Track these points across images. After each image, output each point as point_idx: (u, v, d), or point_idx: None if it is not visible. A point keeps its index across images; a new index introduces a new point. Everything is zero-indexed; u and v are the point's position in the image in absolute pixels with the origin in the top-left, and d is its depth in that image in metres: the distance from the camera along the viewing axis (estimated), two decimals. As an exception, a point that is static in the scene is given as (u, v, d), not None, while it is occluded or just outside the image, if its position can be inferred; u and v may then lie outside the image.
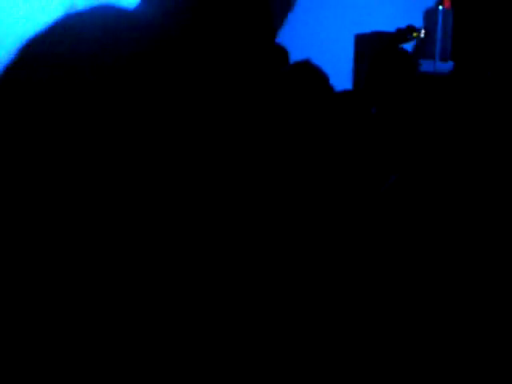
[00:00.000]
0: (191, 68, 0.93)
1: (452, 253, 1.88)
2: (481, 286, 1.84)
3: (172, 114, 0.89)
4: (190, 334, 0.86)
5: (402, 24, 5.13)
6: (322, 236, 1.70)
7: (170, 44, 0.89)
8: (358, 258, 1.76)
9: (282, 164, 1.79)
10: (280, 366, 1.17)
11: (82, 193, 0.81)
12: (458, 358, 1.76)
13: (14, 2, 3.50)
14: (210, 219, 0.89)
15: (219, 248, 0.92)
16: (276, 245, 1.27)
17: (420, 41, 5.43)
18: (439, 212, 1.93)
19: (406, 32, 5.07)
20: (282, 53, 3.50)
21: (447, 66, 5.33)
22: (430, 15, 5.76)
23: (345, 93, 2.99)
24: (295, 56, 3.06)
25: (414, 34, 5.16)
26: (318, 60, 2.47)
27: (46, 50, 0.83)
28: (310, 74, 2.35)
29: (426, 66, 5.11)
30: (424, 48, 5.54)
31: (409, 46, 5.15)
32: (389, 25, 5.16)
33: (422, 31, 5.36)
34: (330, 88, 2.40)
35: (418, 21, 5.61)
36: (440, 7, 5.64)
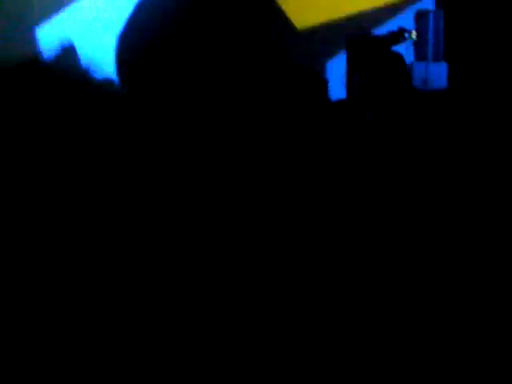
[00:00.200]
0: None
1: (451, 252, 1.89)
2: (480, 284, 1.85)
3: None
4: (190, 333, 0.87)
5: (393, 27, 5.15)
6: (322, 234, 1.71)
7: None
8: (358, 257, 1.76)
9: (279, 165, 1.79)
10: (280, 365, 1.18)
11: (85, 191, 0.83)
12: (456, 355, 1.77)
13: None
14: (210, 219, 0.90)
15: (219, 248, 0.93)
16: (276, 244, 1.28)
17: (412, 43, 5.45)
18: (434, 214, 1.94)
19: (398, 34, 5.09)
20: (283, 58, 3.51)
21: (441, 66, 5.34)
22: (420, 17, 5.78)
23: (340, 101, 3.01)
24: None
25: (406, 37, 5.18)
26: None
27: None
28: (310, 78, 2.36)
29: (418, 71, 5.13)
30: (416, 50, 5.56)
31: (401, 48, 5.17)
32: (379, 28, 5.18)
33: (414, 33, 5.38)
34: (327, 93, 2.42)
35: (408, 23, 5.64)
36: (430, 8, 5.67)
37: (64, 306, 0.76)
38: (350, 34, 5.17)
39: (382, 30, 5.14)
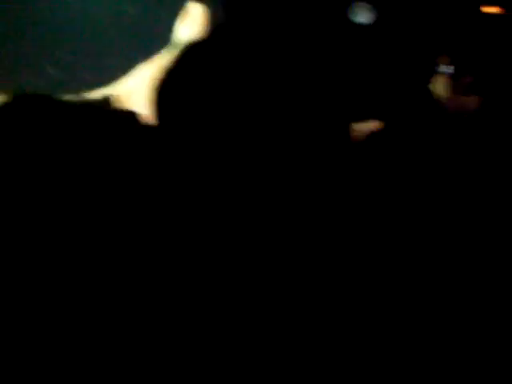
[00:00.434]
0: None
1: (450, 251, 1.86)
2: (480, 284, 1.82)
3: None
4: (189, 333, 0.84)
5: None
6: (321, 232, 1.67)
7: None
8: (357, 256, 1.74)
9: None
10: (280, 365, 1.14)
11: (83, 191, 0.79)
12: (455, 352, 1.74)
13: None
14: (209, 218, 0.87)
15: (219, 247, 0.90)
16: (276, 243, 1.24)
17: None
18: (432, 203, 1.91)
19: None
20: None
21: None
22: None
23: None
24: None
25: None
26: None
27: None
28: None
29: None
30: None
31: None
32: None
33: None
34: None
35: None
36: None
37: (64, 306, 0.73)
38: None
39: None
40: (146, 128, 0.81)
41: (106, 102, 0.80)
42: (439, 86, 2.45)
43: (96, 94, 0.81)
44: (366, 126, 2.35)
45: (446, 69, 2.60)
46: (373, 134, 2.29)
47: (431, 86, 2.50)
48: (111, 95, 0.81)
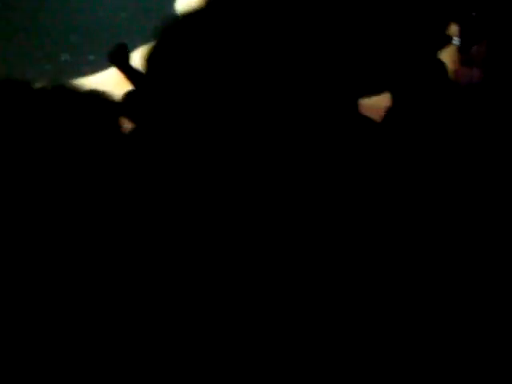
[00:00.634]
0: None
1: (450, 250, 1.86)
2: (480, 284, 1.83)
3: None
4: (189, 333, 0.85)
5: None
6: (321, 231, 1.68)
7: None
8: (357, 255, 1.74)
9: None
10: (280, 365, 1.16)
11: (83, 191, 0.80)
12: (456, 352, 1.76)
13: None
14: (209, 218, 0.88)
15: (218, 247, 0.90)
16: (276, 243, 1.25)
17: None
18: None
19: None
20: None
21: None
22: None
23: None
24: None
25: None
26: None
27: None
28: None
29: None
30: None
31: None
32: None
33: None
34: None
35: None
36: None
37: (64, 306, 0.74)
38: None
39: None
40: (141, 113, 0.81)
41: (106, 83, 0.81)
42: (447, 58, 2.44)
43: (99, 76, 0.82)
44: (374, 101, 2.34)
45: (455, 40, 2.59)
46: (382, 111, 2.27)
47: (441, 58, 2.48)
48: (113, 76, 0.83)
